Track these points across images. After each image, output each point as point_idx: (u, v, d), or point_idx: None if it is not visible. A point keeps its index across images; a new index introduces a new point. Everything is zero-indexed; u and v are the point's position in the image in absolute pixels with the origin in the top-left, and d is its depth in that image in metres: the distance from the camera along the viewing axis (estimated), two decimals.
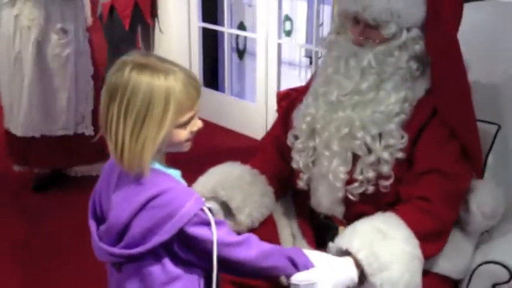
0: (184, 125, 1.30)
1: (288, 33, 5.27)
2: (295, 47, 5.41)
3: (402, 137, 1.61)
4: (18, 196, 3.40)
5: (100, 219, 1.39)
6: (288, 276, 1.40)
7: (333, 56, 1.70)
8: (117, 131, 1.26)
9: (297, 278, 1.38)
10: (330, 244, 1.55)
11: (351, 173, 1.64)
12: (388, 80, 1.63)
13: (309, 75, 4.46)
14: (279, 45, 4.10)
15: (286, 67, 5.08)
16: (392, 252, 1.47)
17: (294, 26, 5.28)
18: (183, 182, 1.37)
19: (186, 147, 1.35)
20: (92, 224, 1.38)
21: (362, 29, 1.63)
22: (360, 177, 1.62)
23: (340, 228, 1.72)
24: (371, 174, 1.62)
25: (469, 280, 1.63)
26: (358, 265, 1.47)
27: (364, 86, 1.63)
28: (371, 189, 1.63)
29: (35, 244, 2.94)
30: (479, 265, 1.61)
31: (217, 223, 1.30)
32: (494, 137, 1.85)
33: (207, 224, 1.29)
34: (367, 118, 1.61)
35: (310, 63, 5.01)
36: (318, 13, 4.07)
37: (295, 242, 1.80)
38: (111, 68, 1.29)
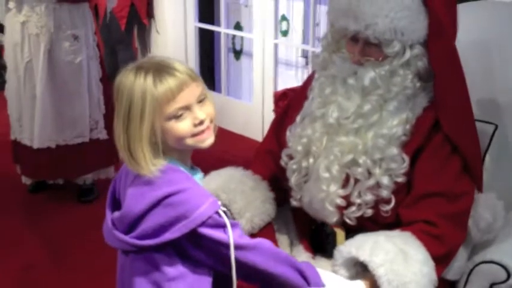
0: (176, 117, 1.29)
1: (285, 34, 5.26)
2: (292, 47, 5.40)
3: (403, 161, 1.57)
4: (16, 196, 3.39)
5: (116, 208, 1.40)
6: None
7: (329, 75, 1.64)
8: (115, 133, 1.30)
9: None
10: (342, 247, 1.53)
11: (348, 196, 1.61)
12: (392, 100, 1.58)
13: (305, 76, 4.46)
14: (276, 45, 4.11)
15: (282, 67, 5.07)
16: (412, 272, 1.46)
17: (291, 26, 5.27)
18: (201, 185, 1.37)
19: (199, 142, 1.33)
20: (108, 212, 1.39)
21: (362, 48, 1.57)
22: (358, 201, 1.59)
23: (338, 231, 1.70)
24: (369, 197, 1.58)
25: (467, 280, 1.63)
26: (374, 282, 1.46)
27: (366, 108, 1.58)
28: (369, 212, 1.60)
29: (31, 245, 2.93)
30: (477, 265, 1.61)
31: (232, 225, 1.31)
32: (492, 137, 1.85)
33: (222, 226, 1.29)
34: (370, 143, 1.57)
35: (307, 63, 5.01)
36: (314, 13, 4.06)
37: (293, 247, 1.79)
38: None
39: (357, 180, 1.60)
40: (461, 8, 1.68)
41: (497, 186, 1.80)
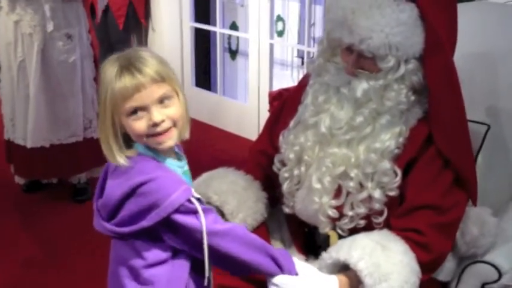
0: (132, 115, 1.29)
1: (280, 34, 5.27)
2: (287, 47, 5.41)
3: (396, 175, 1.56)
4: (10, 196, 3.38)
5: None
6: (271, 276, 1.40)
7: (323, 83, 1.63)
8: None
9: (277, 280, 1.39)
10: (324, 254, 1.54)
11: (340, 208, 1.60)
12: (385, 113, 1.56)
13: (300, 76, 4.46)
14: (271, 45, 4.11)
15: (278, 67, 5.09)
16: (391, 263, 1.47)
17: (286, 26, 5.29)
18: (181, 174, 1.38)
19: (156, 143, 1.32)
20: (95, 199, 1.42)
21: (356, 59, 1.55)
22: (350, 213, 1.59)
23: (331, 233, 1.68)
24: (362, 210, 1.57)
25: (458, 280, 1.64)
26: (353, 278, 1.46)
27: (359, 121, 1.56)
28: (362, 223, 1.59)
29: (28, 245, 2.93)
30: (469, 264, 1.62)
31: (205, 210, 1.32)
32: (484, 137, 1.85)
33: (194, 212, 1.31)
34: (362, 156, 1.56)
35: (302, 63, 5.02)
36: (310, 13, 4.08)
37: (285, 248, 1.78)
38: None
39: (349, 192, 1.59)
40: None
41: (489, 186, 1.81)
